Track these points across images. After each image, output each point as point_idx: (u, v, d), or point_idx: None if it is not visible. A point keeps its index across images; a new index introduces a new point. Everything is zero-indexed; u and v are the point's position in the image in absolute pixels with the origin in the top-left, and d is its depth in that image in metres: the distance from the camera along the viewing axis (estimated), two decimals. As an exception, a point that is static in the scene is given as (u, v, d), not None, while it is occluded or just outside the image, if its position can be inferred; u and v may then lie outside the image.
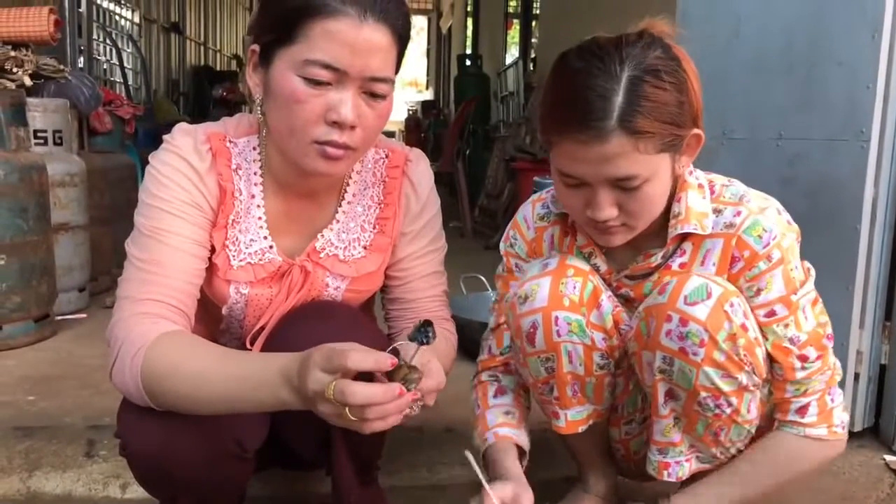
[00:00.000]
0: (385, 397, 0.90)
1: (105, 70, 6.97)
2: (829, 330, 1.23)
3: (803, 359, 1.19)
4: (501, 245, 1.41)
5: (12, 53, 2.81)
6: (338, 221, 1.30)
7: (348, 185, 1.31)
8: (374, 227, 1.31)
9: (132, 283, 1.14)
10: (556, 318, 1.22)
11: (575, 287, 1.23)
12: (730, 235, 1.20)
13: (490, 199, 5.93)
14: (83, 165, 3.05)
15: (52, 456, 1.66)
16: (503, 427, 1.32)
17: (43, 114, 2.87)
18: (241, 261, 1.23)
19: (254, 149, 1.24)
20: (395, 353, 0.94)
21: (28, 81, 2.83)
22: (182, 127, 1.21)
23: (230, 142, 1.22)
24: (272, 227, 1.25)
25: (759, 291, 1.18)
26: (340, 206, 1.30)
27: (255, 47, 1.15)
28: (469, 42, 12.74)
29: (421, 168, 1.34)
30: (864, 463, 1.80)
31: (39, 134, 2.87)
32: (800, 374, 1.20)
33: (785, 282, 1.18)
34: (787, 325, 1.18)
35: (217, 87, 8.72)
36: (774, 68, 1.88)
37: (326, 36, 1.07)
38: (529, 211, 1.39)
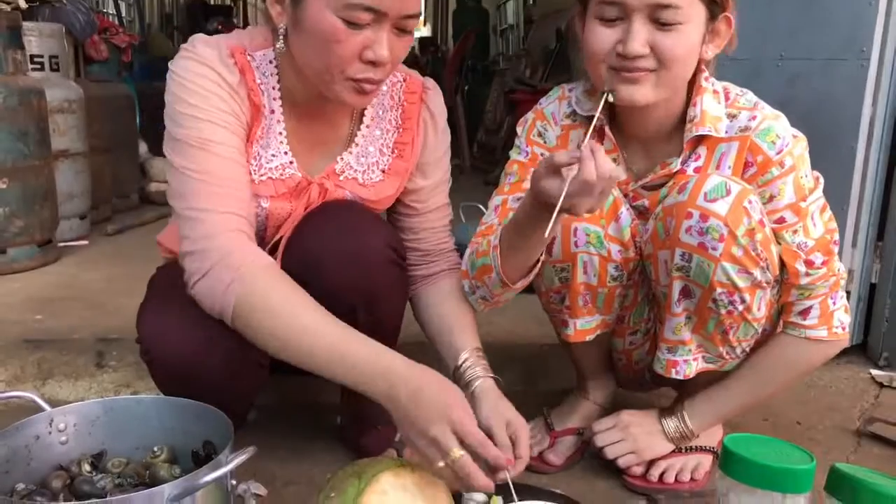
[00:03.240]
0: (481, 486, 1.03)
1: (97, 2, 6.83)
2: (837, 237, 1.27)
3: (809, 264, 1.23)
4: (521, 131, 1.39)
5: (6, -24, 2.76)
6: (357, 145, 1.31)
7: (366, 108, 1.32)
8: (393, 152, 1.33)
9: (201, 196, 1.13)
10: (576, 228, 1.25)
11: None
12: (745, 138, 1.22)
13: (489, 135, 5.91)
14: (81, 92, 3.04)
15: (64, 366, 1.71)
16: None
17: (39, 38, 2.85)
18: (261, 175, 1.24)
19: (270, 62, 1.22)
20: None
21: (23, 4, 2.79)
22: (202, 38, 1.18)
23: (249, 55, 1.20)
24: (290, 144, 1.26)
25: (771, 198, 1.21)
26: (359, 129, 1.31)
27: None
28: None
29: (439, 98, 1.36)
30: (850, 377, 1.85)
31: (36, 59, 2.85)
32: (804, 280, 1.24)
33: (795, 189, 1.21)
34: (795, 232, 1.22)
35: (211, 21, 8.52)
36: (777, -14, 1.87)
37: None
38: (556, 107, 1.37)
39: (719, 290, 1.18)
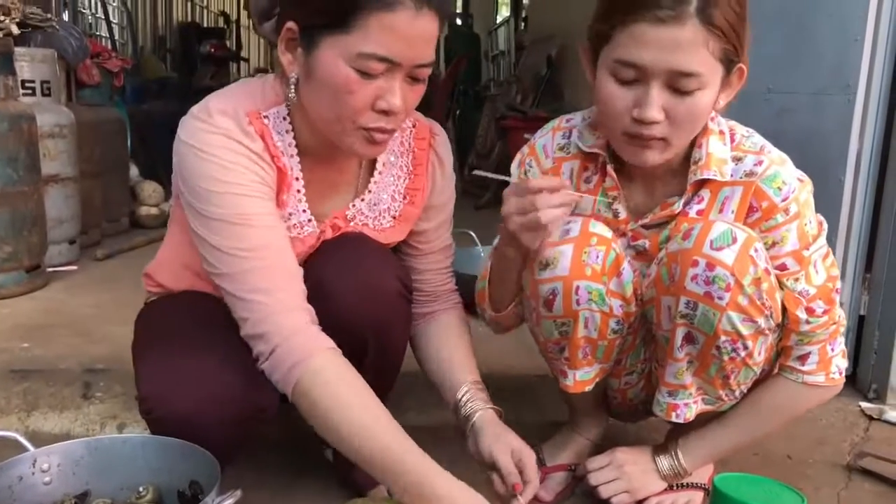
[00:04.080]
0: None
1: (90, 25, 6.86)
2: (839, 284, 1.27)
3: (810, 312, 1.23)
4: (514, 169, 1.39)
5: (-1, 1, 2.77)
6: (370, 192, 1.30)
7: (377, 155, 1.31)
8: (405, 198, 1.33)
9: (254, 274, 1.11)
10: (578, 287, 1.23)
11: (598, 256, 1.23)
12: (750, 183, 1.21)
13: (480, 159, 5.92)
14: (72, 117, 3.03)
15: (50, 397, 1.69)
16: None
17: (31, 63, 2.84)
18: None
19: (284, 119, 1.20)
20: None
21: (15, 30, 2.79)
22: (218, 108, 1.14)
23: (264, 116, 1.18)
24: (308, 199, 1.25)
25: (773, 244, 1.21)
26: (372, 176, 1.31)
27: (293, 26, 1.10)
28: (460, 1, 12.58)
29: (446, 143, 1.36)
30: (840, 409, 1.85)
31: (27, 84, 2.84)
32: (804, 328, 1.24)
33: (799, 236, 1.21)
34: (797, 280, 1.22)
35: (204, 44, 8.57)
36: (765, 21, 1.88)
37: (384, 30, 1.05)
38: (549, 139, 1.37)
39: (723, 338, 1.18)
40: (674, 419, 1.29)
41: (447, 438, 1.63)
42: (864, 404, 1.86)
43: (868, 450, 1.62)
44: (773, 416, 1.33)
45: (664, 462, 1.36)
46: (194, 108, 1.15)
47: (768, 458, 1.62)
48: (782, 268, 1.21)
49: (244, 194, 1.12)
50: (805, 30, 1.83)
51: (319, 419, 1.08)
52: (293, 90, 1.15)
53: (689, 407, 1.28)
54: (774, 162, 1.22)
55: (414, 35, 1.07)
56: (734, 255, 1.13)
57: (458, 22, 9.36)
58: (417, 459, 1.06)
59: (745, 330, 1.17)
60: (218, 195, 1.11)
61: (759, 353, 1.22)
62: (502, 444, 1.20)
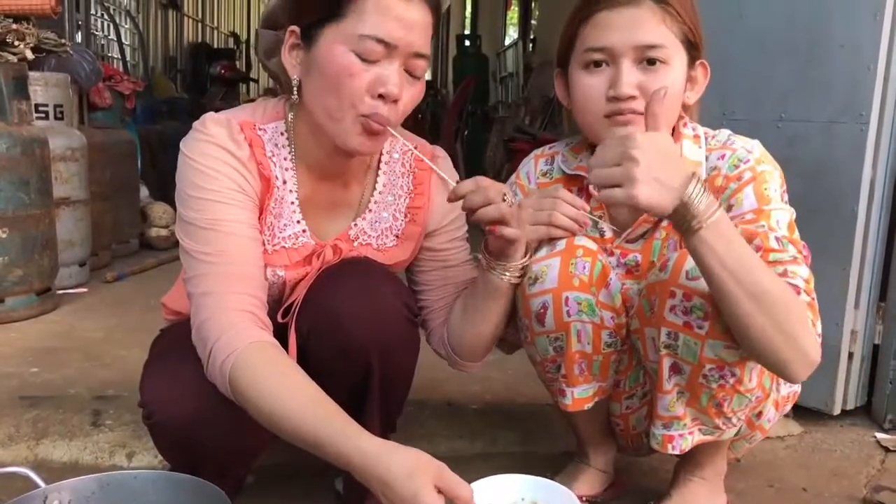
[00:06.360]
0: None
1: (102, 46, 6.92)
2: (805, 251, 1.22)
3: (777, 239, 1.18)
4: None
5: (14, 26, 2.80)
6: (370, 211, 1.32)
7: (378, 175, 1.33)
8: (406, 216, 1.34)
9: (208, 279, 1.13)
10: (567, 298, 1.24)
11: (585, 267, 1.25)
12: (714, 176, 1.27)
13: (488, 180, 5.95)
14: (84, 140, 3.06)
15: (59, 425, 1.68)
16: None
17: (44, 88, 2.88)
18: (274, 245, 1.24)
19: (282, 134, 1.24)
20: None
21: (30, 55, 2.82)
22: (213, 117, 1.20)
23: (260, 129, 1.23)
24: (303, 211, 1.27)
25: (730, 208, 1.22)
26: (373, 195, 1.33)
27: (295, 28, 1.16)
28: (468, 22, 12.68)
29: (448, 165, 1.38)
30: (855, 440, 1.83)
31: (41, 108, 2.88)
32: (774, 246, 1.17)
33: (757, 197, 1.22)
34: (760, 226, 1.19)
35: (215, 65, 8.65)
36: (776, 49, 1.89)
37: (379, 10, 1.10)
38: (532, 166, 1.43)
39: (709, 366, 1.18)
40: (670, 451, 1.27)
41: (459, 468, 1.63)
42: (879, 435, 1.83)
43: (885, 483, 1.59)
44: (769, 276, 1.08)
45: (693, 188, 1.02)
46: (196, 121, 1.21)
47: (783, 491, 1.59)
48: (744, 223, 1.19)
49: (219, 200, 1.16)
50: (817, 58, 1.83)
51: (253, 410, 1.07)
52: (295, 92, 1.20)
53: (684, 438, 1.26)
54: (735, 151, 1.27)
55: (407, 18, 1.12)
56: None
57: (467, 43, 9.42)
58: (347, 433, 1.01)
59: (729, 357, 1.16)
60: (195, 200, 1.16)
61: (750, 379, 1.21)
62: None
